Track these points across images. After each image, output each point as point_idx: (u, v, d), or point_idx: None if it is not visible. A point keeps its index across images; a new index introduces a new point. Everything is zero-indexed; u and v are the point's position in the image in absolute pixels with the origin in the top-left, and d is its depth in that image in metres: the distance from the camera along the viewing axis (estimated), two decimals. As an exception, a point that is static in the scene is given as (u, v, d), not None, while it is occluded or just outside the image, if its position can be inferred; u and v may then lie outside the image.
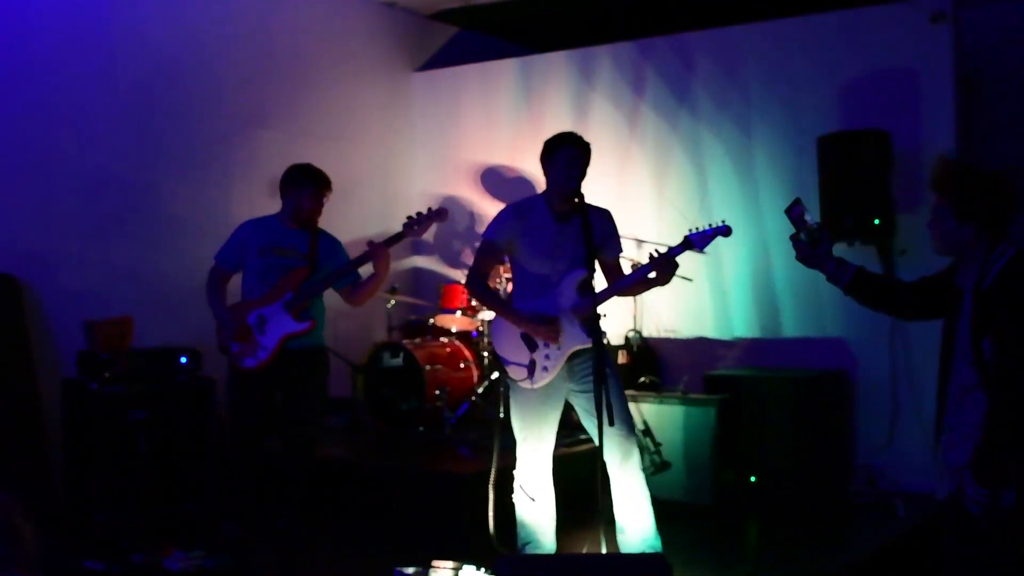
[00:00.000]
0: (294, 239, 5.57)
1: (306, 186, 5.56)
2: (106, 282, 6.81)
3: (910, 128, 6.91)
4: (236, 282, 5.73)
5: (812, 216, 3.61)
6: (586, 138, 4.87)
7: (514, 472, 4.91)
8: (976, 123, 6.99)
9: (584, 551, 4.99)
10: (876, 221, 6.64)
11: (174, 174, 7.25)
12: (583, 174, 4.79)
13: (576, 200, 4.75)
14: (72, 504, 6.10)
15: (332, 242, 5.71)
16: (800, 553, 5.65)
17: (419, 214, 5.48)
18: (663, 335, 7.77)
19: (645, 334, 7.71)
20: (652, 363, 7.61)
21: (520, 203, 4.95)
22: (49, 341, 6.43)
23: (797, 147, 7.26)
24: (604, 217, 4.92)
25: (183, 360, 6.42)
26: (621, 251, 4.99)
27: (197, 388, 6.37)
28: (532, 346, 4.71)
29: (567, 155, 4.77)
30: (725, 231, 4.64)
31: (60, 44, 6.62)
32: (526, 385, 4.73)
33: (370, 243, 5.45)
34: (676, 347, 7.74)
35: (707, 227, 4.65)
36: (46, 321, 6.45)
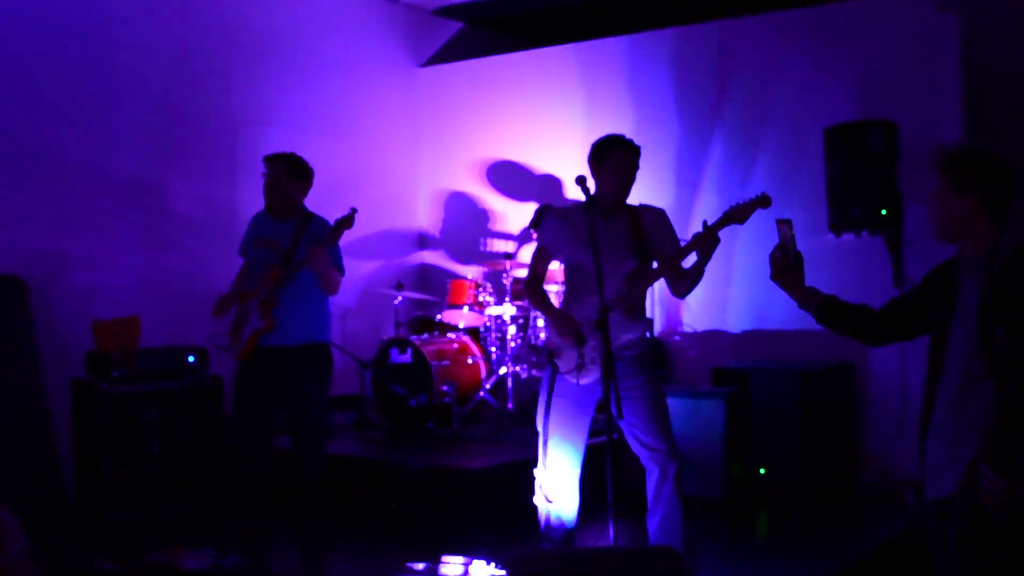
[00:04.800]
0: (278, 230, 5.59)
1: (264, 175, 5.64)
2: (113, 282, 6.82)
3: (918, 119, 6.87)
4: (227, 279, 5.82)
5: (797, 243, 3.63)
6: (594, 132, 4.84)
7: (535, 471, 4.82)
8: (983, 113, 6.96)
9: (594, 544, 4.98)
10: (883, 212, 6.62)
11: (180, 173, 7.26)
12: (633, 179, 4.76)
13: (623, 204, 4.75)
14: (82, 504, 6.11)
15: (321, 228, 5.60)
16: (811, 545, 5.65)
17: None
18: (671, 328, 7.76)
19: (654, 327, 7.70)
20: (661, 356, 7.61)
21: (561, 208, 4.91)
22: (57, 342, 6.43)
23: (804, 138, 7.23)
24: (656, 214, 4.84)
25: (191, 359, 6.43)
26: (679, 244, 4.83)
27: (206, 387, 6.38)
28: (581, 340, 4.65)
29: (618, 160, 4.70)
30: (764, 201, 4.56)
31: (65, 43, 6.62)
32: (572, 379, 4.69)
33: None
34: (685, 340, 7.73)
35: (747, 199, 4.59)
36: (54, 322, 6.45)
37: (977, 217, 3.22)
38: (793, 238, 3.60)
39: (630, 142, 4.76)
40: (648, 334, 4.84)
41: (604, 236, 4.67)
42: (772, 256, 3.63)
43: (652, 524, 4.68)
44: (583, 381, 4.66)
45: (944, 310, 3.29)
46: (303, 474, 5.62)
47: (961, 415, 3.21)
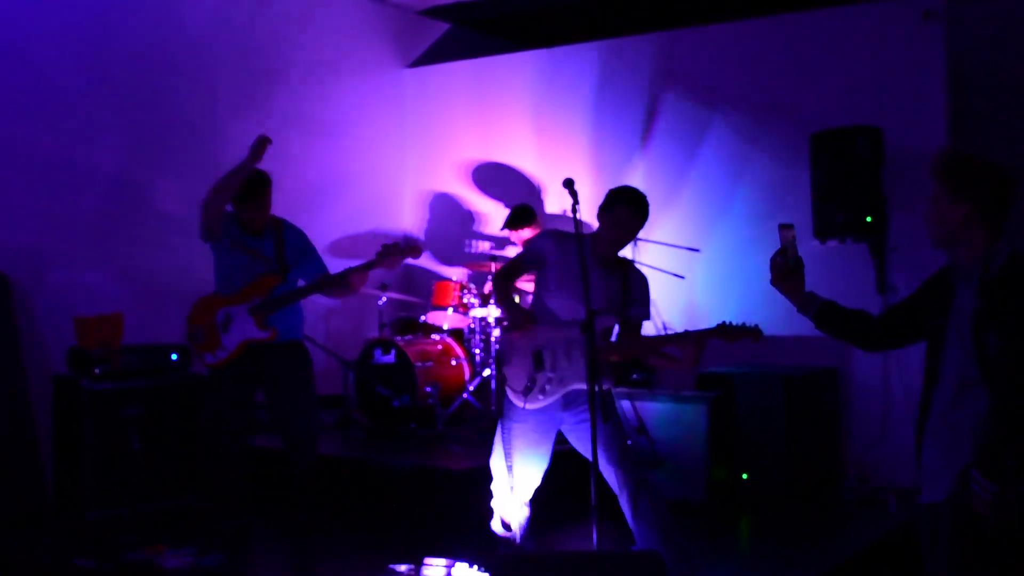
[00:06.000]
0: (256, 241, 5.53)
1: (236, 202, 5.44)
2: (96, 279, 6.79)
3: (903, 125, 6.91)
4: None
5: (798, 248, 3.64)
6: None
7: (492, 503, 4.83)
8: (968, 120, 7.00)
9: (577, 548, 4.98)
10: (868, 218, 6.65)
11: (164, 170, 7.23)
12: (630, 239, 4.70)
13: (619, 256, 4.73)
14: (63, 502, 6.08)
15: (298, 237, 5.64)
16: (792, 549, 5.66)
17: (396, 245, 5.37)
18: (656, 332, 7.76)
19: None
20: (645, 360, 7.60)
21: (562, 232, 4.76)
22: (39, 338, 6.40)
23: (790, 144, 7.25)
24: (641, 280, 4.79)
25: (174, 357, 6.41)
26: (648, 317, 4.82)
27: (188, 385, 6.36)
28: (539, 366, 4.61)
29: (618, 217, 4.61)
30: (756, 334, 4.52)
31: (50, 40, 6.59)
32: (518, 402, 4.63)
33: (350, 271, 5.37)
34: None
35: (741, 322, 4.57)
36: (36, 318, 6.42)
37: (973, 225, 3.22)
38: (794, 243, 3.62)
39: (640, 203, 4.64)
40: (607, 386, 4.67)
41: (600, 287, 4.60)
42: (773, 260, 3.63)
43: (640, 535, 4.61)
44: (529, 406, 4.60)
45: (939, 317, 3.30)
46: (296, 471, 5.60)
47: (955, 421, 3.22)
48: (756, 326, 4.52)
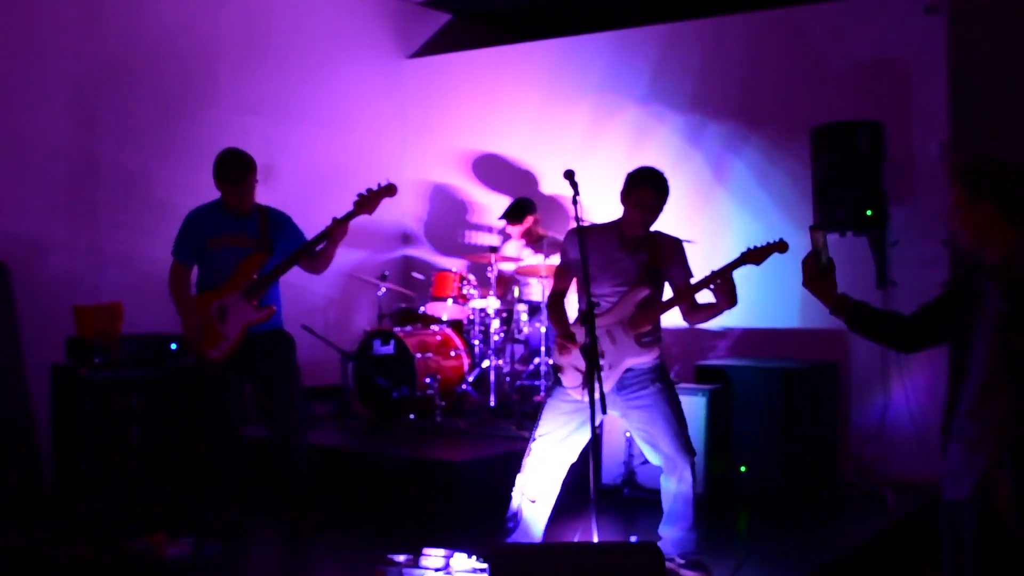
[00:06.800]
0: (241, 226, 5.53)
1: (224, 183, 5.49)
2: (96, 268, 6.79)
3: (903, 120, 6.91)
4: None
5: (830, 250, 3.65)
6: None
7: (519, 476, 4.85)
8: (970, 115, 6.99)
9: (577, 539, 4.99)
10: (868, 212, 6.64)
11: (164, 160, 7.22)
12: (656, 217, 4.77)
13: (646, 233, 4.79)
14: (62, 491, 6.07)
15: (280, 218, 5.67)
16: (790, 544, 5.66)
17: (368, 190, 5.46)
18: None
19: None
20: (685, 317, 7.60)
21: (591, 225, 4.86)
22: (38, 327, 6.38)
23: (791, 138, 7.25)
24: (672, 244, 4.89)
25: (173, 346, 6.40)
26: (692, 276, 4.88)
27: (187, 374, 6.35)
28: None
29: (639, 199, 4.70)
30: (782, 246, 4.63)
31: (51, 27, 6.58)
32: (576, 395, 4.70)
33: (332, 225, 5.41)
34: (668, 337, 7.68)
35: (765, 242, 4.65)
36: (36, 307, 6.40)
37: (995, 224, 3.25)
38: (826, 245, 3.63)
39: (659, 181, 4.72)
40: (658, 359, 4.83)
41: (629, 266, 4.73)
42: (804, 262, 3.63)
43: (666, 516, 4.83)
44: (587, 399, 4.67)
45: (967, 316, 3.31)
46: (286, 460, 5.60)
47: (981, 420, 3.23)
48: (780, 239, 4.64)
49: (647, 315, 4.74)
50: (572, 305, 5.14)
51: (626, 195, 4.75)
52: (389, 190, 5.50)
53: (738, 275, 4.64)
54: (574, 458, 4.81)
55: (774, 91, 7.48)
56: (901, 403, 6.83)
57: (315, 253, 5.54)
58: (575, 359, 4.66)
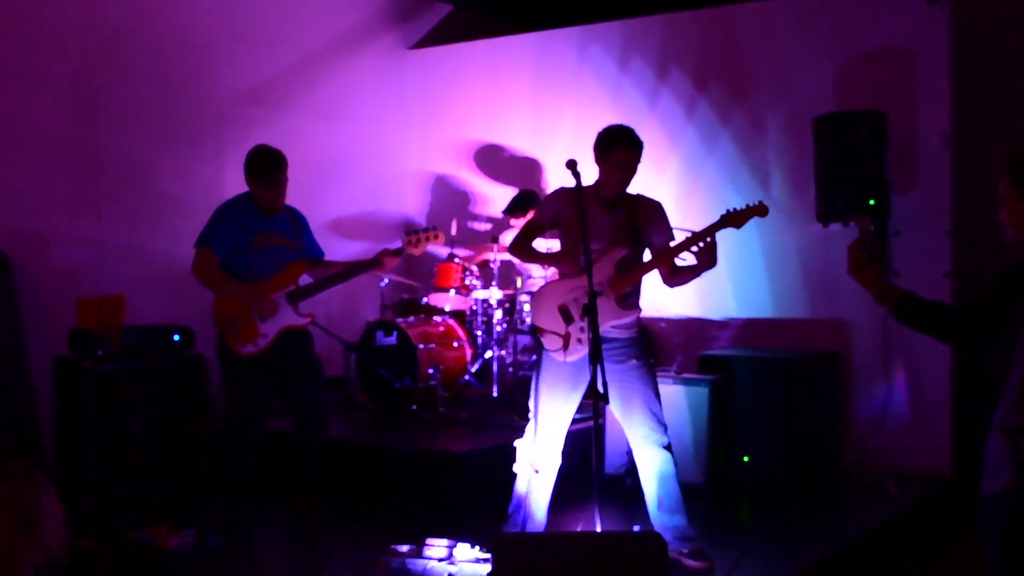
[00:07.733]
0: (274, 224, 5.53)
1: (256, 180, 5.45)
2: (98, 260, 6.78)
3: (906, 109, 6.89)
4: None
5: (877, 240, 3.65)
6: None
7: (516, 443, 4.96)
8: (972, 105, 6.98)
9: (579, 529, 4.99)
10: (871, 202, 6.63)
11: (167, 151, 7.22)
12: (633, 175, 4.83)
13: (623, 193, 4.85)
14: (64, 483, 6.07)
15: (302, 218, 5.70)
16: (792, 534, 5.66)
17: (418, 234, 5.62)
18: (657, 315, 7.76)
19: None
20: (648, 342, 7.59)
21: (568, 188, 4.86)
22: (41, 319, 6.39)
23: (793, 128, 7.24)
24: (653, 206, 4.94)
25: (176, 338, 6.40)
26: (673, 239, 4.90)
27: (190, 366, 6.35)
28: (568, 319, 4.75)
29: (619, 157, 4.77)
30: (761, 210, 4.69)
31: (53, 18, 6.57)
32: (559, 357, 4.77)
33: (384, 253, 5.57)
34: (670, 327, 7.74)
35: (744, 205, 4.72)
36: (38, 299, 6.41)
37: None
38: (872, 233, 3.61)
39: (632, 138, 4.79)
40: (638, 321, 4.88)
41: (603, 224, 4.76)
42: (850, 249, 3.60)
43: (657, 502, 4.88)
44: (570, 358, 4.75)
45: (1011, 311, 3.30)
46: (307, 457, 5.61)
47: (1022, 416, 3.22)
48: (760, 202, 4.71)
49: (627, 277, 4.79)
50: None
51: (602, 157, 4.81)
52: (439, 238, 5.67)
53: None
54: (569, 420, 4.89)
55: (777, 80, 7.46)
56: (903, 393, 6.83)
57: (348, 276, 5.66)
58: (553, 319, 4.77)
